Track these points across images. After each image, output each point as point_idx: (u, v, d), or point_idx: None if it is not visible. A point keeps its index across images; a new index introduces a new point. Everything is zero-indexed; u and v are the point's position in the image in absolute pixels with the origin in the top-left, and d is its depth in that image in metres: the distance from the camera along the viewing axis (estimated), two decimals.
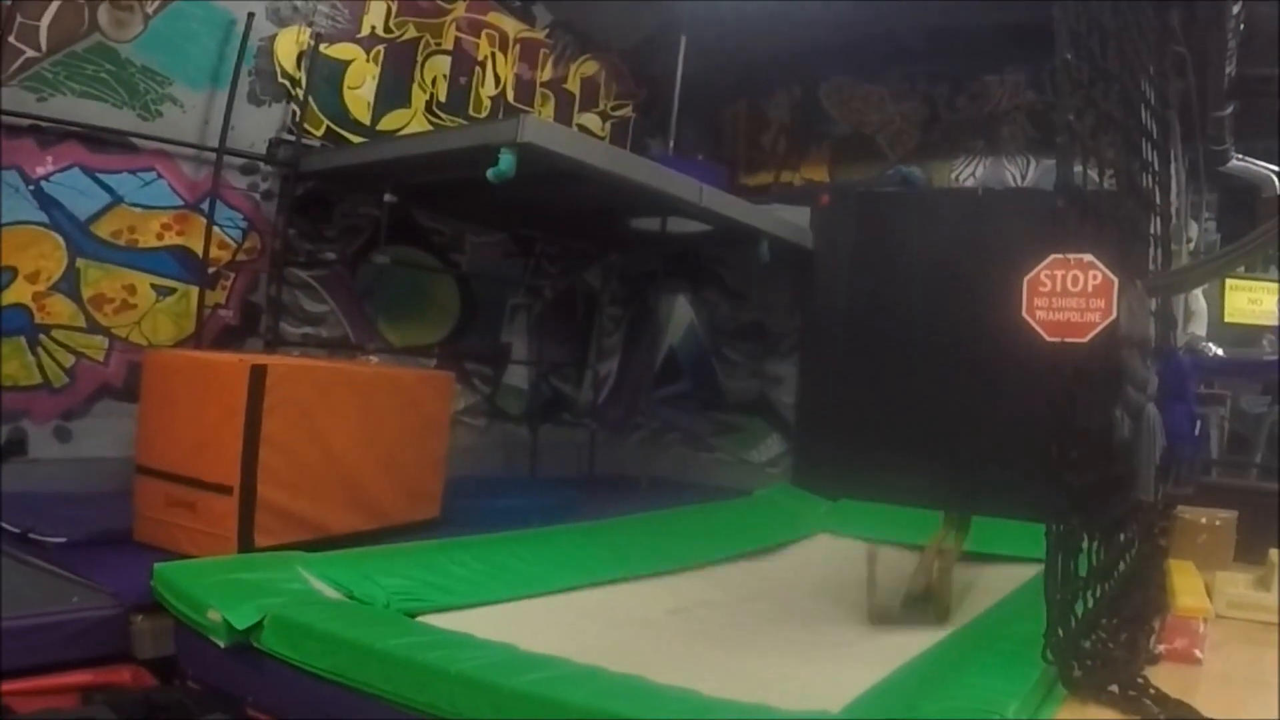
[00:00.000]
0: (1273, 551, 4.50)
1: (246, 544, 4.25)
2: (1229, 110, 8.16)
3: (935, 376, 7.30)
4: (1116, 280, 2.78)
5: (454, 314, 7.80)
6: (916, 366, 7.44)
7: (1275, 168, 9.45)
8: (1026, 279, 2.86)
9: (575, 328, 9.03)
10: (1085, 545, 3.03)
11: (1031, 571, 4.64)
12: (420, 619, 3.75)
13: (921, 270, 7.73)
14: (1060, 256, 2.83)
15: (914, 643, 3.89)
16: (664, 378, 9.26)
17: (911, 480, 6.96)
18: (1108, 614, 3.39)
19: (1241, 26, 6.87)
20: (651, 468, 8.02)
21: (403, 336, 7.31)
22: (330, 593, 3.78)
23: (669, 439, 9.29)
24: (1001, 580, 5.18)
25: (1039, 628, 2.78)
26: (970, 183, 8.59)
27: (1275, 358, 8.08)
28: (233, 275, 6.18)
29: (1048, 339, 2.82)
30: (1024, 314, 2.85)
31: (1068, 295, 2.81)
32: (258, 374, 4.34)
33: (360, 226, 6.92)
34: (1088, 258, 2.80)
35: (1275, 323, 8.90)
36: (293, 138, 6.40)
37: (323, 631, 3.21)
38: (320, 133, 6.67)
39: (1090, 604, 3.12)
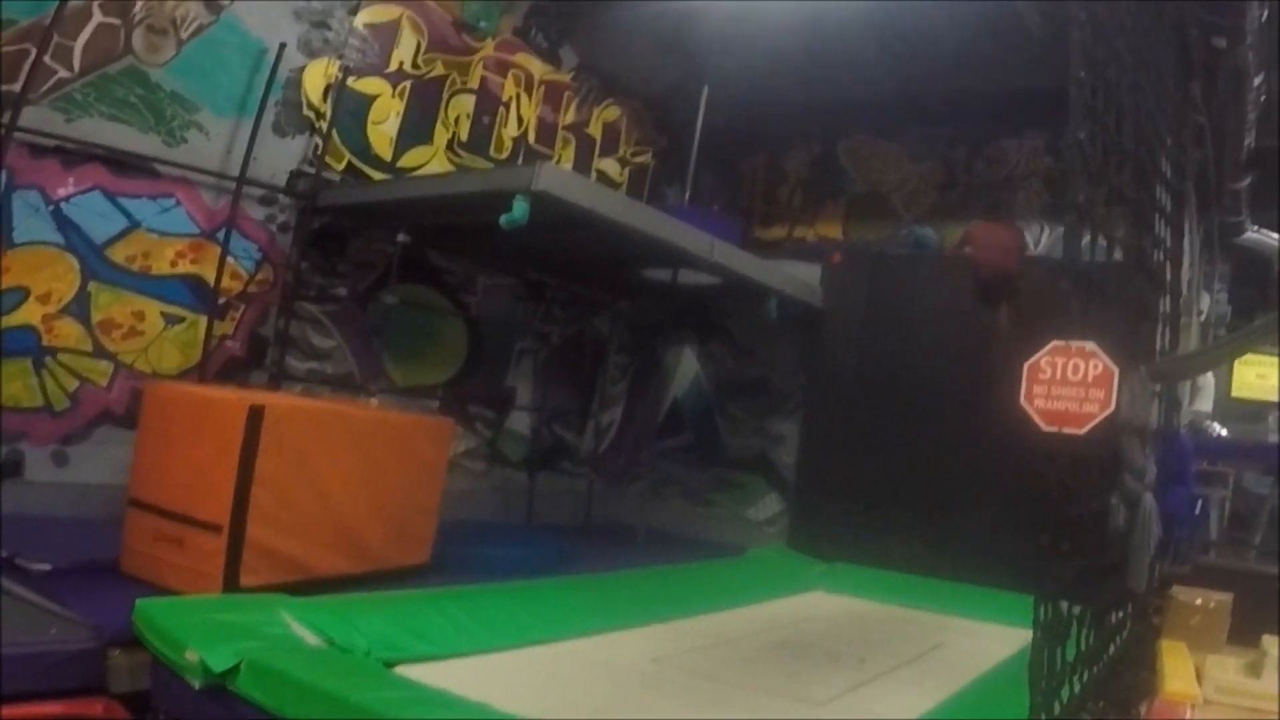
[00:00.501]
0: (1265, 638, 4.48)
1: (232, 583, 4.28)
2: (1246, 182, 8.19)
3: (937, 444, 7.30)
4: (1117, 370, 2.75)
5: (461, 355, 7.84)
6: (919, 433, 7.44)
7: None
8: (1026, 365, 2.83)
9: (581, 375, 9.07)
10: (1074, 631, 3.02)
11: (1021, 638, 4.68)
12: (399, 669, 3.76)
13: (929, 335, 7.76)
14: (1061, 343, 2.80)
15: (898, 708, 3.89)
16: (666, 429, 9.28)
17: (907, 546, 6.98)
18: (1094, 697, 3.36)
19: (1262, 98, 6.92)
20: (649, 520, 8.02)
21: (408, 376, 7.36)
22: (311, 638, 3.78)
23: (668, 491, 9.30)
24: (993, 646, 5.23)
25: (1022, 710, 2.76)
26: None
27: (1277, 440, 8.06)
28: (242, 306, 6.24)
29: (1045, 428, 2.78)
30: (1022, 401, 2.82)
31: (1067, 384, 2.77)
32: (255, 414, 4.38)
33: (373, 263, 6.99)
34: (1090, 346, 2.77)
35: None
36: (313, 170, 6.49)
37: (298, 680, 3.21)
38: (341, 166, 6.76)
39: (1076, 689, 3.10)
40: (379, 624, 4.05)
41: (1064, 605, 2.84)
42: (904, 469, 7.43)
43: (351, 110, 6.81)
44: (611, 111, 9.06)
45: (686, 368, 9.33)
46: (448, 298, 7.70)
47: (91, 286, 5.50)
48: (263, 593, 4.19)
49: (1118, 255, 3.53)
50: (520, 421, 8.39)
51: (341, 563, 4.83)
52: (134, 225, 5.67)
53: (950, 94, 8.47)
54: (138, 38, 5.56)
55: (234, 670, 3.32)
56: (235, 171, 6.06)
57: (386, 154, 7.08)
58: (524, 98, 8.14)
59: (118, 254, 5.61)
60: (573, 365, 8.91)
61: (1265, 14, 5.85)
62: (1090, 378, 2.75)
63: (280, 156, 6.39)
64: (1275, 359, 9.26)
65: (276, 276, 6.41)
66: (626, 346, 9.54)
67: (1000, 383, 3.28)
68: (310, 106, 6.52)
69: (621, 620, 4.98)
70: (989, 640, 5.43)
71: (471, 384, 7.89)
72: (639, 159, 9.41)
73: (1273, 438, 8.27)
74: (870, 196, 9.27)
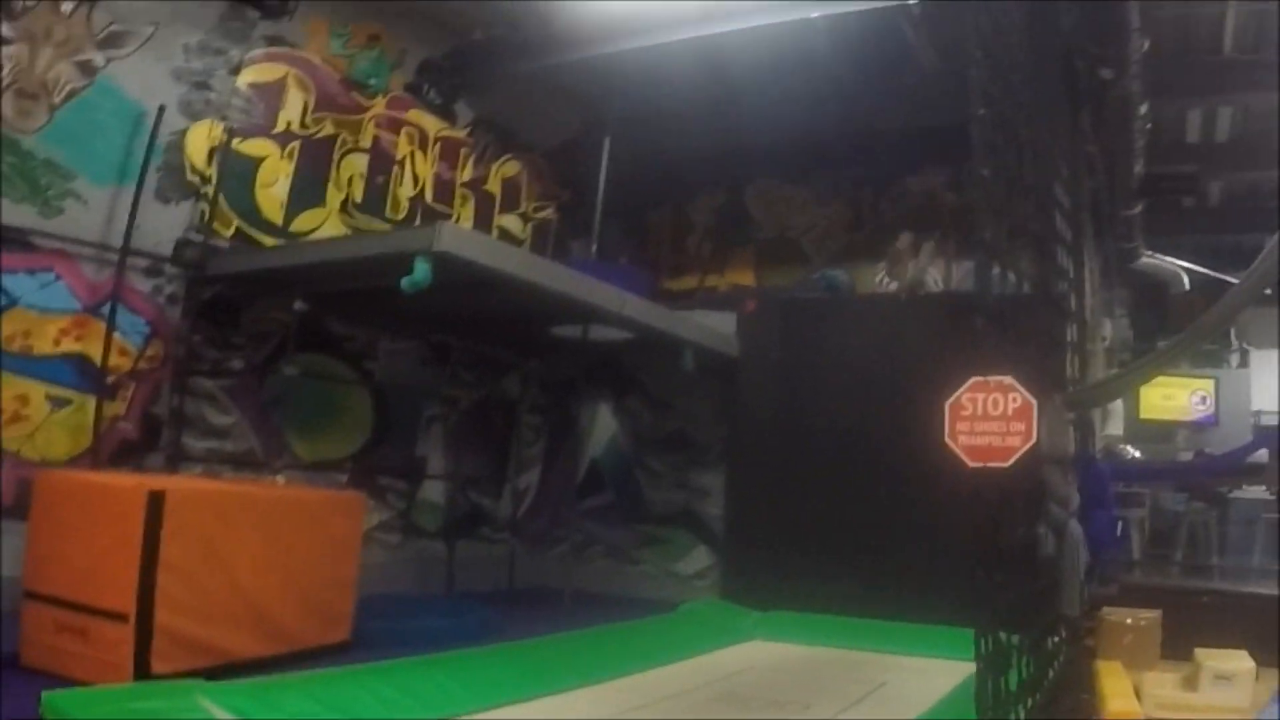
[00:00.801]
0: (1199, 651, 4.76)
1: (143, 671, 4.24)
2: (1138, 209, 8.73)
3: (864, 484, 7.56)
4: (1035, 401, 2.92)
5: (367, 426, 7.83)
6: (845, 474, 7.69)
7: (1183, 264, 10.14)
8: (948, 404, 2.97)
9: (493, 438, 9.11)
10: (1014, 660, 3.17)
11: (962, 671, 4.88)
12: None
13: (847, 377, 8.05)
14: (980, 379, 2.95)
15: None
16: (586, 489, 9.39)
17: (843, 588, 7.17)
18: None
19: (1149, 125, 7.42)
20: (575, 582, 8.07)
21: (313, 450, 7.32)
22: None
23: (592, 552, 9.38)
24: (936, 681, 5.43)
25: None
26: (894, 286, 9.02)
27: (1190, 457, 8.55)
28: (133, 385, 6.16)
29: (970, 464, 2.92)
30: (946, 439, 2.96)
31: (989, 419, 2.91)
32: (156, 500, 4.38)
33: (269, 333, 6.97)
34: (1008, 380, 2.93)
35: (1188, 418, 9.46)
36: (200, 238, 6.46)
37: None
38: (230, 232, 6.74)
39: (1022, 715, 3.26)
40: (303, 703, 4.05)
41: (1003, 636, 3.00)
42: (833, 512, 7.66)
43: (238, 173, 6.81)
44: (511, 166, 9.24)
45: (603, 425, 9.47)
46: (350, 366, 7.70)
47: None
48: (176, 680, 4.15)
49: (1025, 288, 3.76)
50: (434, 490, 8.39)
51: (258, 645, 4.81)
52: (11, 302, 5.58)
53: (852, 135, 8.87)
54: (7, 103, 5.51)
55: None
56: (117, 242, 6.00)
57: (278, 218, 7.10)
58: (419, 155, 8.27)
59: None
60: (484, 429, 8.96)
61: (1147, 44, 6.34)
62: (1010, 411, 2.91)
63: (165, 224, 6.34)
64: (1180, 380, 9.86)
65: (167, 351, 6.34)
66: (539, 406, 9.63)
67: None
68: (194, 170, 6.52)
69: (557, 684, 5.02)
70: (932, 675, 5.62)
71: (380, 455, 7.87)
72: (541, 214, 9.59)
73: (1183, 456, 8.78)
74: (780, 241, 9.62)
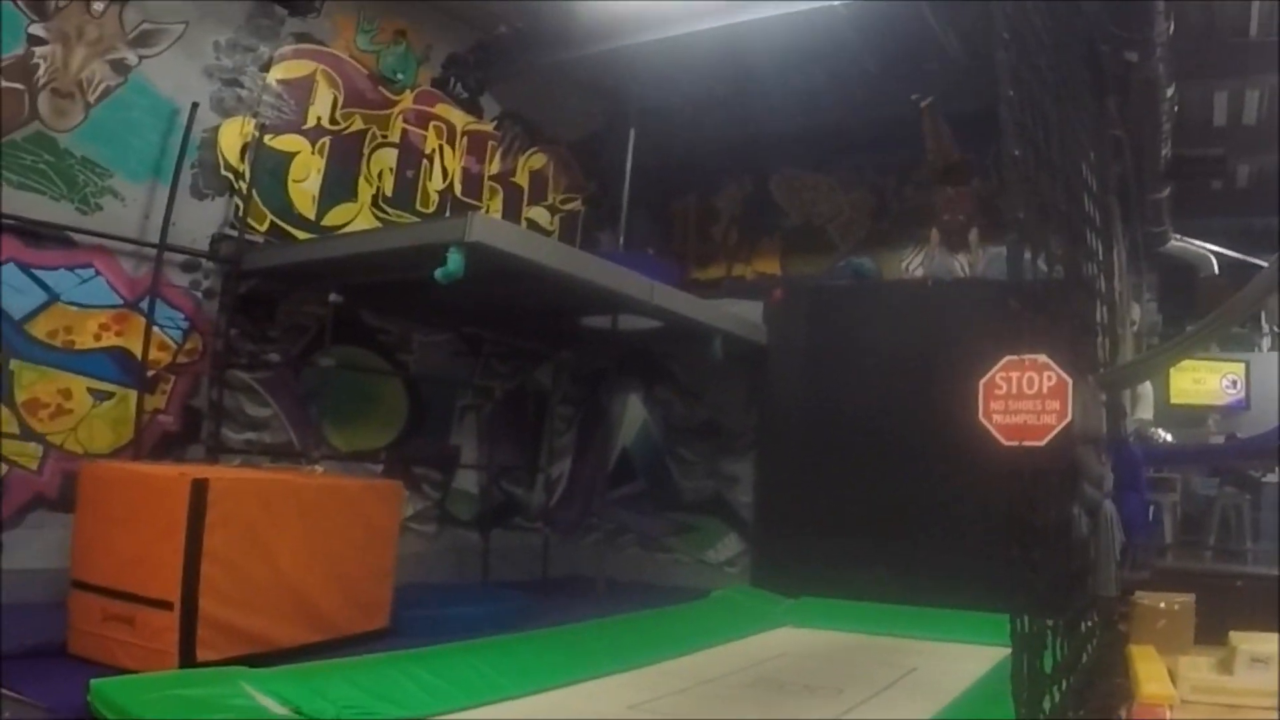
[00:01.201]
0: (1233, 634, 4.75)
1: (188, 659, 4.31)
2: (1166, 192, 8.65)
3: (893, 470, 7.56)
4: (1070, 380, 2.90)
5: (402, 417, 7.90)
6: (874, 461, 7.70)
7: (1212, 247, 10.05)
8: (982, 382, 2.96)
9: (526, 429, 9.17)
10: (1049, 641, 3.17)
11: (992, 656, 4.84)
12: None
13: (875, 363, 8.05)
14: (1014, 358, 2.93)
15: None
16: (618, 478, 9.41)
17: (872, 575, 7.18)
18: (1075, 707, 3.53)
19: (1175, 109, 7.35)
20: (607, 570, 8.11)
21: (349, 441, 7.39)
22: (277, 708, 3.83)
23: (624, 540, 9.42)
24: (966, 666, 5.44)
25: None
26: (920, 272, 9.02)
27: (1221, 441, 8.47)
28: (173, 378, 6.25)
29: (1005, 442, 2.91)
30: (981, 417, 2.95)
31: (1023, 398, 2.90)
32: (199, 489, 4.45)
33: (304, 326, 7.04)
34: (1042, 359, 2.91)
35: (1219, 402, 9.36)
36: (235, 233, 6.54)
37: None
38: (264, 228, 6.82)
39: (1057, 699, 3.26)
40: (345, 689, 4.11)
41: (1039, 616, 2.99)
42: (862, 498, 7.67)
43: (270, 169, 6.90)
44: (538, 159, 9.28)
45: (634, 414, 9.49)
46: (384, 358, 7.77)
47: (13, 365, 5.48)
48: (221, 667, 4.21)
49: (1057, 270, 3.74)
50: (468, 480, 8.46)
51: (299, 633, 4.88)
52: (53, 298, 5.67)
53: (876, 121, 8.83)
54: (44, 102, 5.60)
55: None
56: (154, 238, 6.09)
57: (310, 212, 7.17)
58: (447, 149, 8.31)
59: (39, 329, 5.61)
60: (517, 419, 9.01)
61: (1172, 27, 6.27)
62: (1045, 390, 2.89)
63: (200, 220, 6.44)
64: (1210, 364, 9.77)
65: (205, 345, 6.44)
66: (571, 397, 9.68)
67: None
68: (228, 167, 6.60)
69: (593, 670, 5.07)
70: (962, 660, 5.64)
71: (415, 445, 7.94)
72: (568, 206, 9.62)
73: (1214, 440, 8.70)
74: (805, 229, 9.61)
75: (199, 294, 6.44)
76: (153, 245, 6.10)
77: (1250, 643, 4.64)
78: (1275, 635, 4.75)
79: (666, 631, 6.23)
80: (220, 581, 4.48)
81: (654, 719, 4.43)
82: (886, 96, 8.37)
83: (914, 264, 9.08)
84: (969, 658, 5.62)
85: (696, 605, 7.27)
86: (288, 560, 4.88)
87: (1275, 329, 11.68)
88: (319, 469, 6.02)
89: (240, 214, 6.61)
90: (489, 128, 8.76)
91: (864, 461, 7.76)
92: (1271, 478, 8.79)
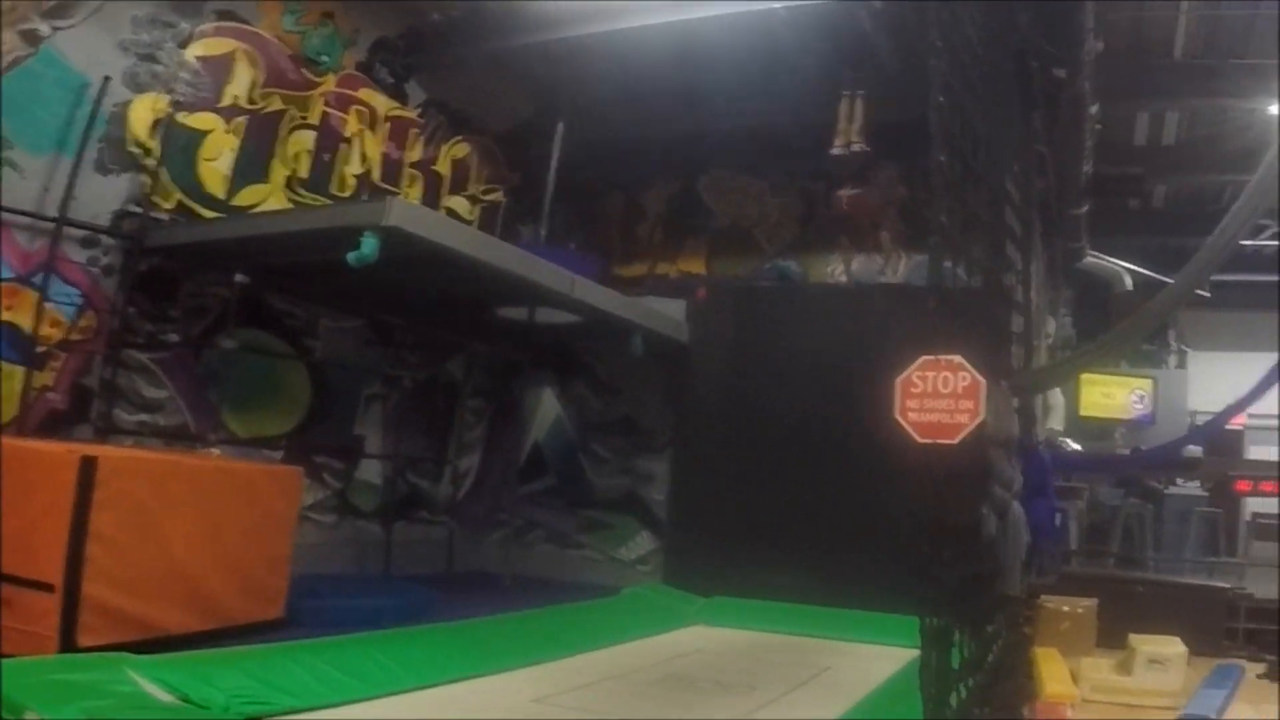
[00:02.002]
0: (1133, 637, 4.94)
1: (69, 644, 4.18)
2: (1085, 208, 8.91)
3: (810, 473, 7.67)
4: (984, 381, 2.98)
5: (304, 404, 7.76)
6: (792, 463, 7.80)
7: (1126, 265, 10.40)
8: (899, 380, 3.03)
9: (435, 420, 9.09)
10: (957, 637, 3.24)
11: (904, 657, 4.94)
12: None
13: (796, 364, 8.15)
14: (931, 358, 3.01)
15: None
16: (529, 474, 9.38)
17: (786, 576, 7.26)
18: (980, 704, 3.60)
19: (1098, 127, 7.57)
20: (515, 566, 8.08)
21: (248, 427, 7.23)
22: (163, 695, 3.73)
23: (534, 537, 9.39)
24: (879, 666, 5.55)
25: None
26: (844, 278, 9.14)
27: (1127, 452, 8.78)
28: (64, 356, 6.05)
29: (919, 440, 2.98)
30: (896, 415, 3.01)
31: (938, 396, 2.97)
32: (88, 466, 4.33)
33: (207, 307, 6.88)
34: (957, 359, 2.99)
35: (1126, 416, 9.71)
36: (140, 210, 6.37)
37: None
38: (171, 205, 6.64)
39: (964, 696, 3.33)
40: (236, 678, 4.02)
41: (948, 613, 3.04)
42: (779, 499, 7.76)
43: (181, 147, 6.73)
44: (461, 148, 9.21)
45: (547, 409, 9.47)
46: (290, 342, 7.63)
47: None
48: (105, 652, 4.09)
49: (976, 277, 3.85)
50: (371, 470, 8.34)
51: (189, 619, 4.77)
52: None
53: (809, 127, 8.93)
54: None
55: None
56: (53, 212, 5.89)
57: (220, 192, 7.01)
58: (368, 134, 8.20)
59: None
60: (426, 410, 8.93)
61: (1101, 46, 6.46)
62: (959, 389, 2.96)
63: (104, 196, 6.25)
64: (1119, 379, 10.11)
65: (101, 323, 6.24)
66: (483, 390, 9.62)
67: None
68: (136, 143, 6.41)
69: (496, 664, 5.04)
70: (875, 660, 5.75)
71: (317, 433, 7.81)
72: (490, 197, 9.57)
73: (1121, 453, 9.03)
74: (733, 231, 9.69)
75: (97, 270, 6.23)
76: (50, 219, 5.89)
77: (1149, 645, 4.86)
78: (1173, 638, 4.96)
79: (574, 627, 6.22)
80: (106, 564, 4.36)
81: (559, 715, 4.41)
82: (821, 101, 8.49)
83: (839, 270, 9.21)
84: (882, 658, 5.72)
85: (606, 602, 7.28)
86: (179, 544, 4.77)
87: (1183, 347, 12.13)
88: (215, 452, 5.90)
89: (146, 191, 6.42)
90: (413, 114, 8.68)
91: (782, 462, 7.85)
92: (1174, 489, 9.16)
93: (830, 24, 7.38)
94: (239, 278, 6.31)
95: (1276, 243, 10.84)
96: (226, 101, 7.04)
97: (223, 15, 6.97)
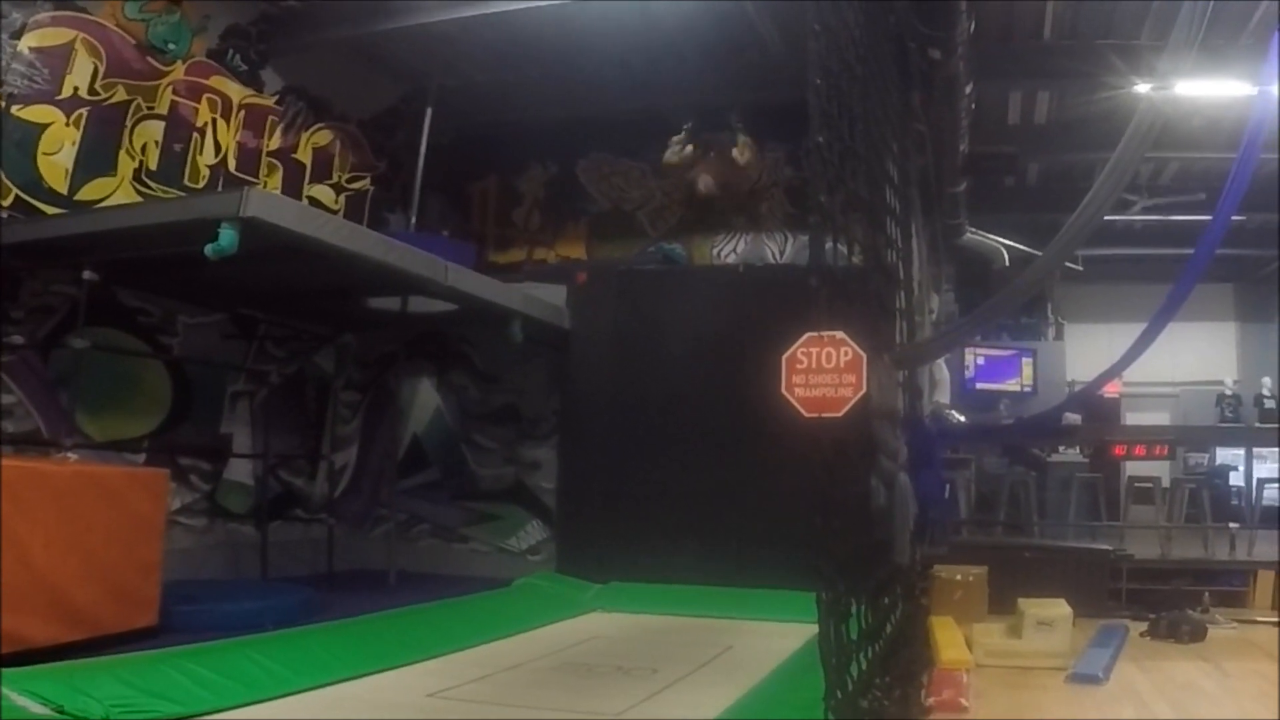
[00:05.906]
0: (1020, 601, 5.28)
1: None
2: (963, 186, 9.32)
3: (701, 452, 7.89)
4: (865, 355, 3.14)
5: (165, 403, 7.63)
6: (682, 444, 8.00)
7: (1004, 241, 10.92)
8: (784, 357, 3.17)
9: (306, 416, 9.02)
10: (853, 610, 3.39)
11: (806, 633, 5.19)
12: None
13: (683, 346, 8.35)
14: (814, 334, 3.15)
15: (700, 709, 4.28)
16: (409, 467, 9.38)
17: (683, 558, 7.45)
18: (880, 673, 3.82)
19: (973, 106, 7.94)
20: (399, 562, 8.06)
21: (105, 429, 7.07)
22: (36, 708, 3.68)
23: (417, 531, 9.40)
24: (782, 643, 5.73)
25: (818, 692, 3.04)
26: (732, 259, 9.39)
27: (1011, 421, 9.25)
28: None
29: (806, 415, 3.12)
30: (783, 391, 3.15)
31: (822, 371, 3.12)
32: None
33: (53, 306, 6.72)
34: (839, 334, 3.14)
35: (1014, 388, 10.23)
36: None
37: None
38: (8, 202, 6.45)
39: (863, 665, 3.51)
40: (113, 687, 3.98)
41: (843, 583, 3.22)
42: (670, 481, 7.95)
43: (18, 141, 6.56)
44: (322, 136, 9.13)
45: (425, 400, 9.49)
46: (144, 340, 7.49)
47: None
48: None
49: (857, 255, 4.05)
50: (241, 470, 8.23)
51: (56, 630, 4.70)
52: None
53: (692, 109, 9.15)
54: None
55: None
56: None
57: (62, 186, 6.84)
58: (221, 123, 8.08)
59: None
60: (296, 406, 8.87)
61: (973, 26, 6.79)
62: (842, 364, 3.12)
63: None
64: (1002, 353, 10.63)
65: None
66: (356, 382, 9.58)
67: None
68: None
69: (386, 661, 5.08)
70: (777, 638, 5.93)
71: (180, 434, 7.69)
72: (356, 185, 9.51)
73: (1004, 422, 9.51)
74: (614, 215, 9.87)
75: None
76: None
77: (1037, 608, 5.20)
78: (1059, 600, 5.32)
79: (465, 621, 6.27)
80: None
81: (456, 708, 4.47)
82: (704, 84, 8.70)
83: (725, 250, 9.45)
84: (784, 635, 5.90)
85: (498, 594, 7.35)
86: (40, 554, 4.69)
87: (1060, 320, 12.76)
88: (72, 458, 5.79)
89: None
90: (270, 102, 8.57)
91: (672, 444, 8.05)
92: (1056, 457, 9.69)
93: (715, 8, 7.59)
94: (87, 274, 6.17)
95: (1146, 218, 11.52)
96: (66, 93, 6.87)
97: (59, 4, 6.80)
